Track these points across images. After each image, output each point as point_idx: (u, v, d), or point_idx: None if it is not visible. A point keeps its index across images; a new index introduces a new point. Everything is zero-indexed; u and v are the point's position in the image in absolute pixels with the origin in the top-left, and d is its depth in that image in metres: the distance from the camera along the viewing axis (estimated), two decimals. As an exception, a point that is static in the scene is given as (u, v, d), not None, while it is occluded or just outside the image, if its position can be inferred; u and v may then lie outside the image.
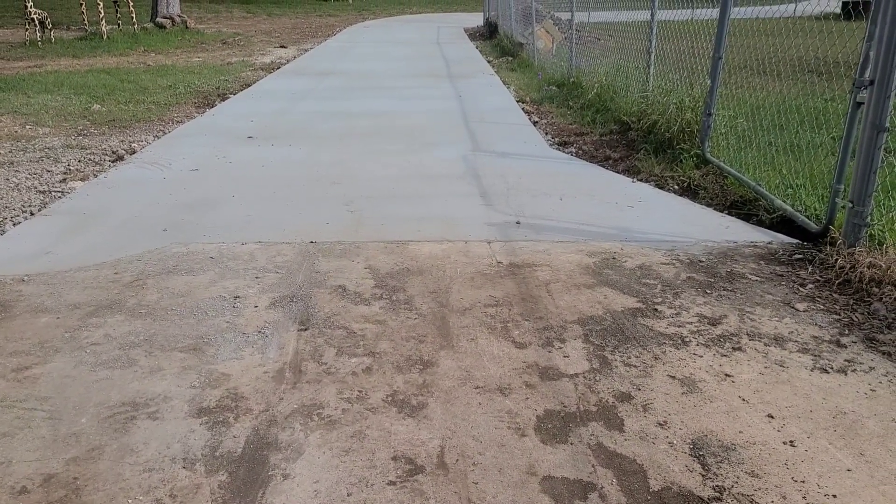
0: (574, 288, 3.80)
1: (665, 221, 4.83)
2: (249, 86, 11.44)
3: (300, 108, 9.21)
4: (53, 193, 5.53)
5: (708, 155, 5.84)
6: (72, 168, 6.28)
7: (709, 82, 5.72)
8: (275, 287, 3.82)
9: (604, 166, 6.47)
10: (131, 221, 4.84)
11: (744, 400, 2.80)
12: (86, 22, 19.76)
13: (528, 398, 2.83)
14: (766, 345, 3.22)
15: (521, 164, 6.33)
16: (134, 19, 19.62)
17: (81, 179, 5.92)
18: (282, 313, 3.53)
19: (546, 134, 7.92)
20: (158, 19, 20.79)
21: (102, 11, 18.25)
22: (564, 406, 2.78)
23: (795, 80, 6.72)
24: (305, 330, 3.37)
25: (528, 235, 4.56)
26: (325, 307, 3.59)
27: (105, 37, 18.54)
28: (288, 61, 15.21)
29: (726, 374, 2.98)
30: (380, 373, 3.01)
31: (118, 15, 19.80)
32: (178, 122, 8.62)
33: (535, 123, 8.46)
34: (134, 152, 6.85)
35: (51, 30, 17.80)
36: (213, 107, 9.58)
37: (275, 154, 6.72)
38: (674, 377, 2.97)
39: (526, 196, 5.40)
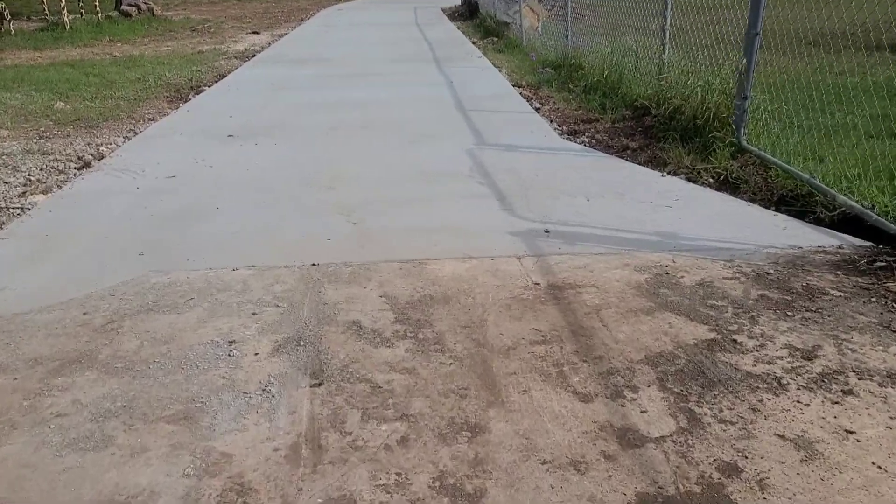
0: (631, 315, 3.21)
1: (712, 223, 4.26)
2: (224, 76, 10.72)
3: (282, 99, 8.53)
4: (11, 210, 4.85)
5: (744, 143, 5.27)
6: (32, 178, 5.58)
7: (744, 61, 5.12)
8: (276, 326, 3.20)
9: (623, 157, 5.89)
10: (102, 244, 4.19)
11: (881, 469, 2.24)
12: (47, 12, 18.79)
13: (610, 476, 2.24)
14: (880, 385, 2.66)
15: (533, 159, 5.72)
16: (98, 8, 18.70)
17: (43, 192, 5.24)
18: (288, 362, 2.91)
19: (551, 122, 7.31)
20: (123, 7, 19.87)
21: (64, 0, 17.31)
22: (659, 487, 2.20)
23: (843, 54, 6.07)
24: (319, 385, 2.76)
25: (562, 247, 3.97)
26: (340, 352, 2.98)
27: (68, 27, 17.66)
28: (263, 48, 14.45)
29: (847, 431, 2.42)
30: (419, 444, 2.42)
31: (81, 4, 18.86)
32: (149, 119, 7.91)
33: (537, 110, 7.85)
34: (102, 157, 6.16)
35: (9, 21, 16.87)
36: (187, 101, 8.87)
37: (259, 155, 6.06)
38: (783, 437, 2.40)
39: (547, 196, 4.80)
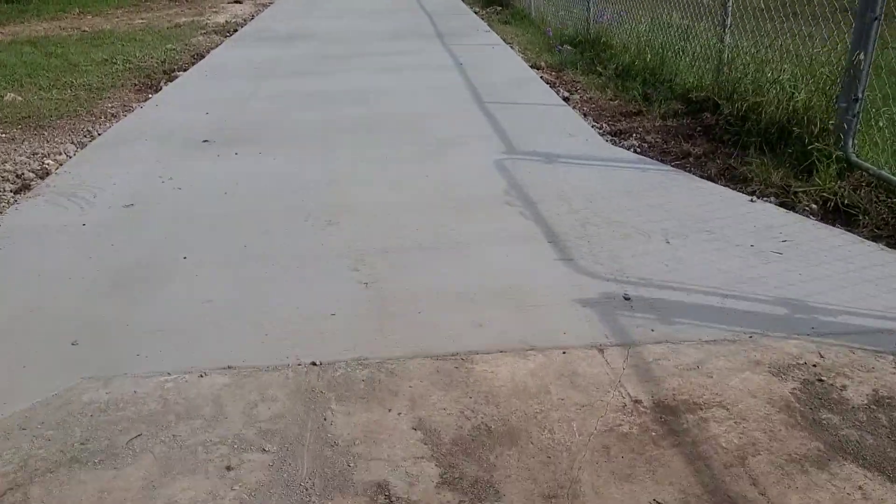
0: (795, 468, 2.13)
1: (845, 280, 3.18)
2: (202, 57, 9.51)
3: (267, 89, 7.33)
4: (-84, 262, 3.71)
5: (854, 157, 4.16)
6: (-46, 209, 4.43)
7: (859, 54, 3.98)
8: (262, 496, 2.09)
9: (686, 168, 4.79)
10: (23, 324, 3.07)
11: None
12: (11, -18, 17.33)
13: None
14: None
15: (582, 175, 4.60)
16: (66, -23, 17.25)
17: (-37, 232, 4.09)
18: (282, 582, 1.82)
19: (585, 115, 6.18)
20: (94, -24, 18.37)
21: (28, -31, 15.94)
22: None
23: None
24: None
25: (656, 327, 2.87)
26: (363, 557, 1.89)
27: (34, -2, 16.30)
28: (245, 21, 13.18)
29: None
30: None
31: (47, -27, 17.41)
32: (111, 116, 6.73)
33: (566, 100, 6.71)
34: (47, 174, 5.00)
35: (-32, -6, 15.48)
36: (157, 90, 7.68)
37: (240, 169, 4.92)
38: None
39: (612, 235, 3.69)
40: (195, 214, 4.18)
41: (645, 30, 7.24)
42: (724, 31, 5.59)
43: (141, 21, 14.05)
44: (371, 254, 3.61)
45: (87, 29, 13.07)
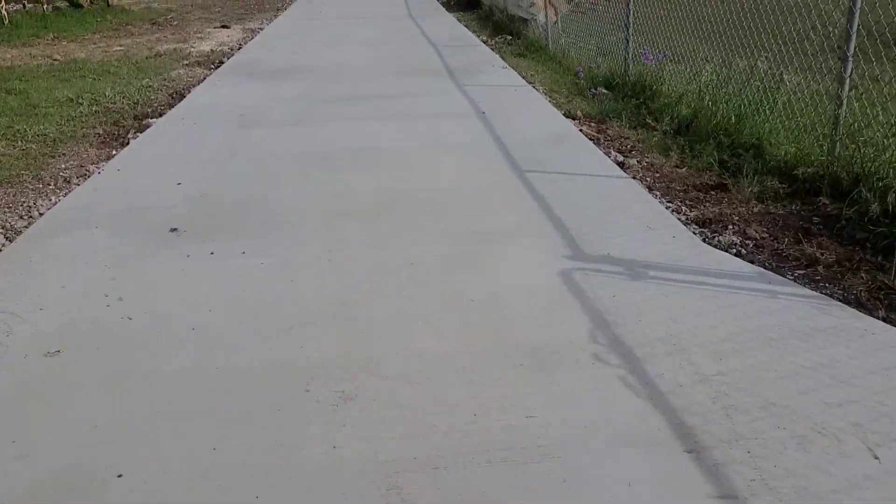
0: None
1: None
2: (181, 97, 8.23)
3: (253, 146, 6.03)
4: None
5: None
6: None
7: None
8: None
9: (820, 284, 3.56)
10: None
11: None
12: (-20, 3, 16.06)
13: None
14: None
15: (689, 302, 3.32)
16: (41, -3, 16.00)
17: None
18: None
19: (651, 190, 4.93)
20: (72, -4, 17.15)
21: (-1, -11, 14.68)
22: None
23: None
24: None
25: None
26: None
27: (6, 21, 14.97)
28: (232, 50, 11.91)
29: None
30: None
31: (21, -7, 16.17)
32: (63, 180, 5.47)
33: (621, 165, 5.44)
34: (-45, 285, 3.67)
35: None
36: (124, 144, 6.38)
37: (216, 282, 3.62)
38: None
39: (781, 436, 2.41)
40: (145, 373, 2.87)
41: (711, 77, 5.97)
42: (841, 88, 4.32)
43: (119, 48, 12.79)
44: (410, 469, 2.30)
45: (58, 58, 11.81)
